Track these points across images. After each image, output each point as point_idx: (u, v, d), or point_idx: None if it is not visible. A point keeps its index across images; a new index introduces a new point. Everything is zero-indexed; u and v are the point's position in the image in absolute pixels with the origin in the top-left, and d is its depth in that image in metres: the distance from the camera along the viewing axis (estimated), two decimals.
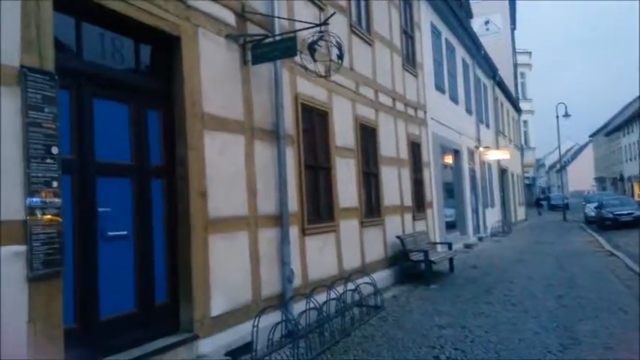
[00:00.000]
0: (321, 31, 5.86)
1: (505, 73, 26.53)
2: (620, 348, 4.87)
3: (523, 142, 35.02)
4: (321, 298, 5.83)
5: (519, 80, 35.83)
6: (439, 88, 13.77)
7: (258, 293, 5.35)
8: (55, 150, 3.34)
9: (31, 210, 3.18)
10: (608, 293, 7.43)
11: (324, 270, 6.70)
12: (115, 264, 4.02)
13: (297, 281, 6.00)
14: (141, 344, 4.04)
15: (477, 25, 28.57)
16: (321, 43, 5.94)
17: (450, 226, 14.10)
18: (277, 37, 5.64)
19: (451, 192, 14.81)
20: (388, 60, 10.02)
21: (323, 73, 6.17)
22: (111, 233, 3.98)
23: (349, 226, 7.63)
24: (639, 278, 8.33)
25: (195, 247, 4.52)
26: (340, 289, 6.32)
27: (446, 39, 14.92)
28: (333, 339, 5.45)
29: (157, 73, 4.64)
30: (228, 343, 4.74)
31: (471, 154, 17.25)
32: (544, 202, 48.42)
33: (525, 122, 36.61)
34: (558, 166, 61.95)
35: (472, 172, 17.18)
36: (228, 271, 4.94)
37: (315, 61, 5.84)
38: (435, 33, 13.88)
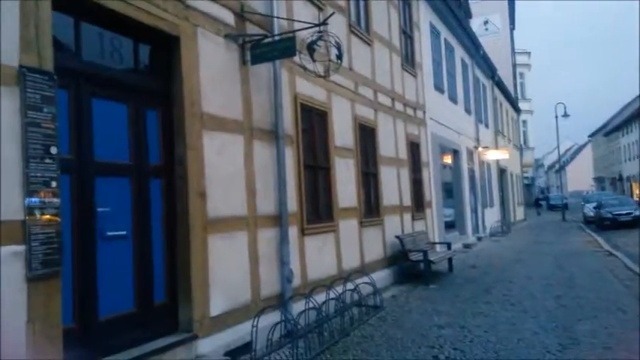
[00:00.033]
0: (320, 31, 5.86)
1: (504, 73, 26.55)
2: (619, 348, 4.87)
3: (522, 142, 35.06)
4: (320, 298, 5.83)
5: (518, 80, 35.88)
6: (438, 88, 13.78)
7: (258, 293, 5.34)
8: (53, 150, 3.34)
9: (29, 210, 3.17)
10: (607, 293, 7.44)
11: (324, 270, 6.70)
12: (114, 264, 4.02)
13: (297, 281, 6.00)
14: (140, 344, 4.04)
15: (476, 25, 28.58)
16: (320, 43, 5.94)
17: (449, 226, 14.11)
18: (276, 37, 5.64)
19: (450, 192, 14.81)
20: (387, 60, 10.02)
21: (322, 73, 6.17)
22: (110, 233, 3.97)
23: (348, 226, 7.63)
24: (639, 278, 8.33)
25: (194, 247, 4.52)
26: (339, 289, 6.32)
27: (445, 39, 14.93)
28: (333, 339, 5.45)
29: (155, 72, 4.64)
30: (227, 343, 4.74)
31: (470, 154, 17.26)
32: (543, 202, 48.44)
33: (524, 122, 36.64)
34: (557, 166, 62.04)
35: (471, 172, 17.19)
36: (228, 271, 4.94)
37: (314, 61, 5.84)
38: (434, 33, 13.89)
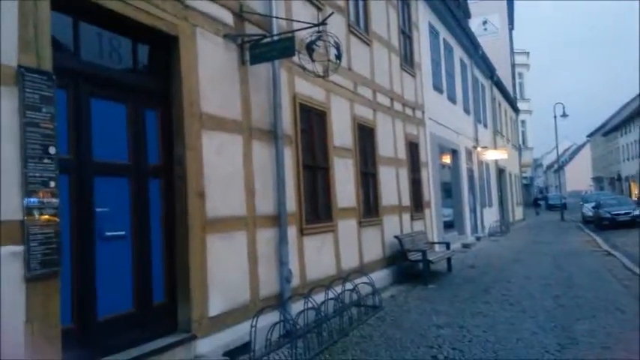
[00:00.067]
0: (319, 31, 5.86)
1: (503, 73, 26.55)
2: (617, 348, 4.88)
3: (521, 142, 35.07)
4: (319, 298, 5.84)
5: (517, 80, 35.90)
6: (437, 88, 13.78)
7: (256, 293, 5.34)
8: (52, 150, 3.34)
9: (28, 210, 3.17)
10: (606, 293, 7.45)
11: (322, 270, 6.70)
12: (112, 264, 4.01)
13: (295, 281, 6.00)
14: (139, 344, 4.04)
15: (474, 25, 28.60)
16: (319, 43, 5.94)
17: (448, 225, 14.12)
18: (275, 37, 5.64)
19: (449, 192, 14.82)
20: (386, 60, 10.02)
21: (321, 73, 6.17)
22: (108, 233, 3.97)
23: (347, 226, 7.63)
24: (639, 279, 8.33)
25: (193, 247, 4.52)
26: (338, 289, 6.32)
27: (444, 39, 14.93)
28: (332, 339, 5.45)
29: (154, 72, 4.63)
30: (226, 343, 4.74)
31: (469, 154, 17.27)
32: (542, 202, 48.46)
33: (523, 122, 36.65)
34: (556, 165, 62.14)
35: (470, 171, 17.20)
36: (226, 271, 4.94)
37: (313, 61, 5.85)
38: (433, 33, 13.90)
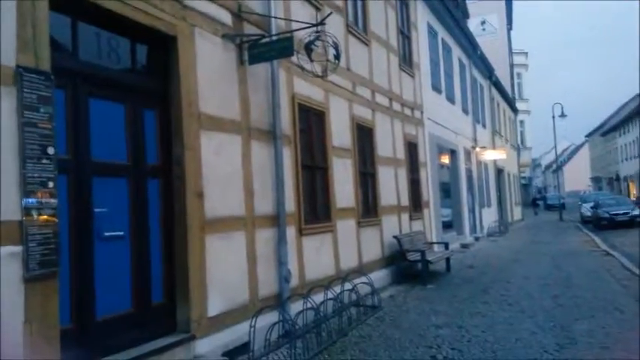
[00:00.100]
0: (317, 31, 5.86)
1: (501, 73, 26.58)
2: (616, 347, 4.88)
3: (519, 142, 35.11)
4: (318, 298, 5.84)
5: (516, 80, 35.95)
6: (436, 88, 13.79)
7: (256, 293, 5.34)
8: (50, 150, 3.33)
9: (27, 210, 3.17)
10: (605, 293, 7.46)
11: (321, 270, 6.70)
12: (111, 264, 4.01)
13: (294, 281, 5.99)
14: (138, 344, 4.03)
15: (473, 25, 28.60)
16: (318, 43, 5.94)
17: (447, 225, 14.13)
18: (274, 37, 5.64)
19: (448, 192, 14.82)
20: (385, 60, 10.02)
21: (320, 73, 6.18)
22: (107, 233, 3.97)
23: (346, 226, 7.63)
24: (639, 279, 8.33)
25: (191, 247, 4.52)
26: (337, 289, 6.32)
27: (442, 39, 14.94)
28: (331, 339, 5.45)
29: (153, 72, 4.63)
30: (225, 344, 4.73)
31: (468, 154, 17.29)
32: (540, 202, 48.55)
33: (522, 122, 36.71)
34: (555, 166, 62.22)
35: (469, 172, 17.22)
36: (225, 271, 4.94)
37: (311, 61, 5.85)
38: (432, 33, 13.91)
